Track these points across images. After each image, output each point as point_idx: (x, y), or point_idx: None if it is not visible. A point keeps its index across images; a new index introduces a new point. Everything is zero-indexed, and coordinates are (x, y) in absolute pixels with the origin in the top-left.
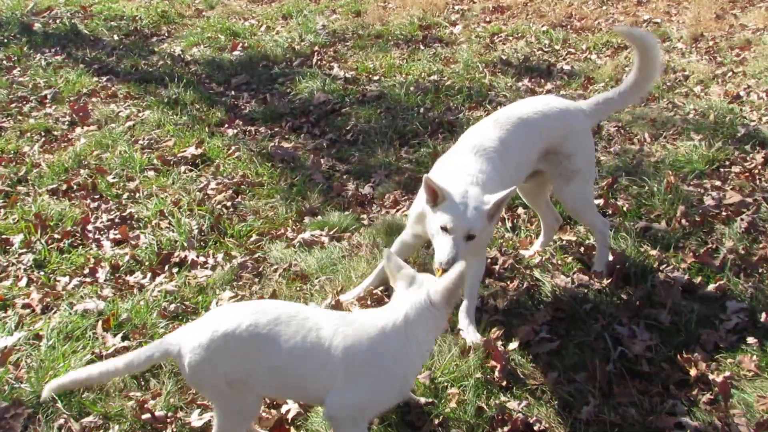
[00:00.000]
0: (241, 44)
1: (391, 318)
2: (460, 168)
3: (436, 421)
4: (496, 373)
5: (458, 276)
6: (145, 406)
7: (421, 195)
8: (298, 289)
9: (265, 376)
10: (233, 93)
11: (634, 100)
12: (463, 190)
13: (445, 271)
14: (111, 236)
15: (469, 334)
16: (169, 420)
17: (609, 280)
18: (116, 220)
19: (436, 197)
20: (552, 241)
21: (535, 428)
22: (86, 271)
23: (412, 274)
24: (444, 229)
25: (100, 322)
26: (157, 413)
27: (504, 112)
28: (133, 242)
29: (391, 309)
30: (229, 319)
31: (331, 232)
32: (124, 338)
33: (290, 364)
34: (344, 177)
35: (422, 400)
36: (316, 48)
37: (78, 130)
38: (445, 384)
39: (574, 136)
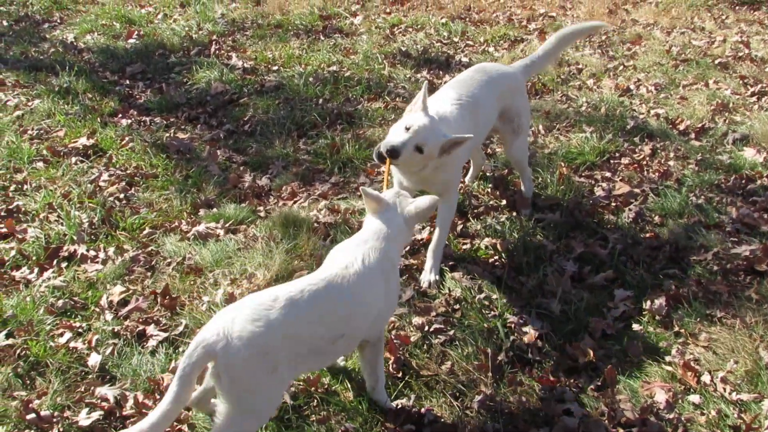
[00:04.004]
0: (136, 32)
1: (385, 239)
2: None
3: (332, 416)
4: (391, 366)
5: (432, 202)
6: (30, 405)
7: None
8: (192, 282)
9: (335, 342)
10: (128, 82)
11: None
12: (437, 115)
13: (385, 155)
14: None
15: (428, 274)
16: (55, 420)
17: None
18: (2, 213)
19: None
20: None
21: (428, 419)
22: None
23: (387, 200)
24: (407, 128)
25: None
26: (42, 413)
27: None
28: (19, 236)
29: (378, 232)
30: (286, 304)
31: (227, 225)
32: (8, 336)
33: (356, 307)
34: (241, 168)
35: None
36: (215, 37)
37: None
38: (341, 378)
39: (520, 96)
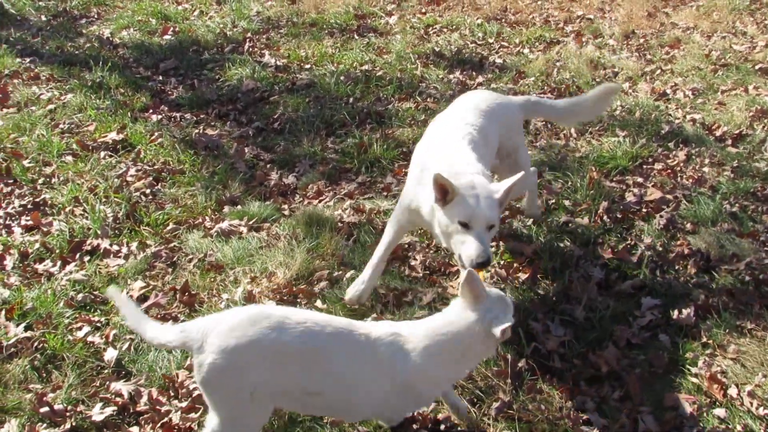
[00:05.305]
0: (172, 28)
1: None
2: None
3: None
4: None
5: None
6: (44, 398)
7: (411, 185)
8: (212, 279)
9: (312, 396)
10: (161, 78)
11: (569, 121)
12: (470, 182)
13: (477, 267)
14: (22, 222)
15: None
16: (68, 414)
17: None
18: (29, 206)
19: (446, 194)
20: None
21: (445, 426)
22: None
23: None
24: (464, 225)
25: (3, 311)
26: (56, 407)
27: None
28: (44, 229)
29: (454, 331)
30: (273, 326)
31: (251, 222)
32: (27, 328)
33: (354, 384)
34: (268, 166)
35: None
36: (249, 34)
37: None
38: None
39: (516, 131)
